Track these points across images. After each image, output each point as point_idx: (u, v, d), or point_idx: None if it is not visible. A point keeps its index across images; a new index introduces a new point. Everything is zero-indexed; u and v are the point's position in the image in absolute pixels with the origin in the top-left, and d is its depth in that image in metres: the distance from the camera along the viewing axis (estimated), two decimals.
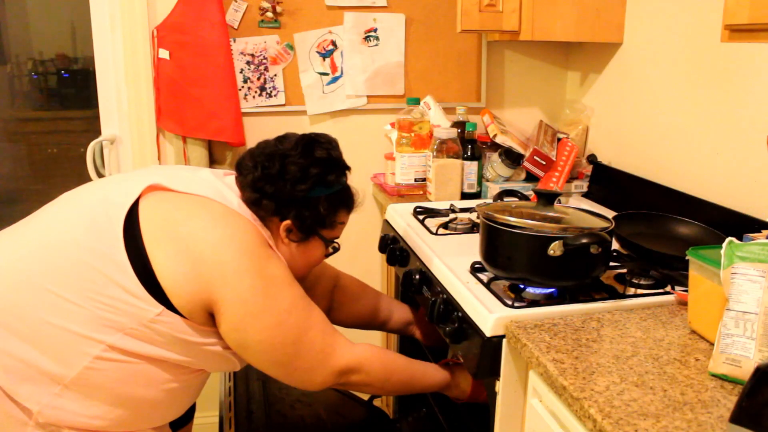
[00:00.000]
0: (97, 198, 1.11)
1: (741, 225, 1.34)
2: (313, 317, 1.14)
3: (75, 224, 1.07)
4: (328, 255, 1.28)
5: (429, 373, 1.28)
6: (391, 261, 1.63)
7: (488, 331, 1.10)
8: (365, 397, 1.76)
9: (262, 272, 1.08)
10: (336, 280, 1.51)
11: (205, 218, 1.08)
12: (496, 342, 1.10)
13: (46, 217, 1.12)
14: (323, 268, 1.48)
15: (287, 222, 1.17)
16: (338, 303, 1.49)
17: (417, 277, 1.43)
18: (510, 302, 1.15)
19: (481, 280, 1.26)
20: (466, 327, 1.17)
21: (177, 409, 1.20)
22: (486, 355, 1.11)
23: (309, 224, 1.18)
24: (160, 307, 1.03)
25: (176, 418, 1.23)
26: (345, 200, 1.24)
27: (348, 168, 1.25)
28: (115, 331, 1.03)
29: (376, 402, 1.85)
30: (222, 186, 1.15)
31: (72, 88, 2.52)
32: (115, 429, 1.11)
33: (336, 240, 1.27)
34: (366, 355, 1.18)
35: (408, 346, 1.84)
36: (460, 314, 1.20)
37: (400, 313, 1.56)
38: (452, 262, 1.35)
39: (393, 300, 1.59)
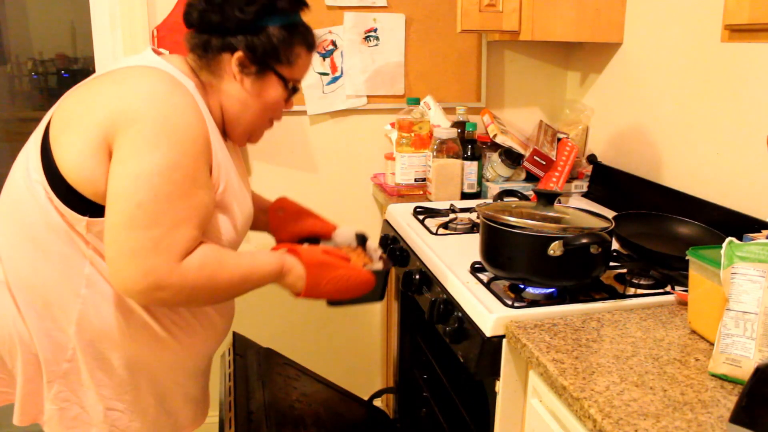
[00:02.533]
0: (29, 141, 1.11)
1: (741, 225, 1.34)
2: (184, 202, 1.00)
3: (16, 174, 1.09)
4: (288, 97, 1.20)
5: (259, 267, 1.11)
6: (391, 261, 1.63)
7: (488, 331, 1.10)
8: (365, 396, 1.76)
9: (159, 118, 0.98)
10: None
11: (106, 83, 1.05)
12: (496, 342, 1.10)
13: (10, 176, 1.13)
14: None
15: (239, 53, 1.10)
16: None
17: (417, 277, 1.43)
18: (510, 302, 1.15)
19: (481, 280, 1.26)
20: (466, 327, 1.17)
21: (190, 354, 1.19)
22: (486, 355, 1.11)
23: (261, 54, 1.11)
24: (84, 218, 1.02)
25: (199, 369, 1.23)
26: (302, 33, 1.16)
27: (306, 3, 1.17)
28: (81, 258, 1.05)
29: (376, 402, 1.85)
30: (134, 57, 1.11)
31: (72, 88, 2.51)
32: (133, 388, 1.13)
33: (296, 81, 1.19)
34: (193, 271, 1.00)
35: (411, 343, 1.85)
36: (460, 314, 1.20)
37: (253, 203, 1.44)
38: (452, 262, 1.35)
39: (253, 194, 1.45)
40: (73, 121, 1.02)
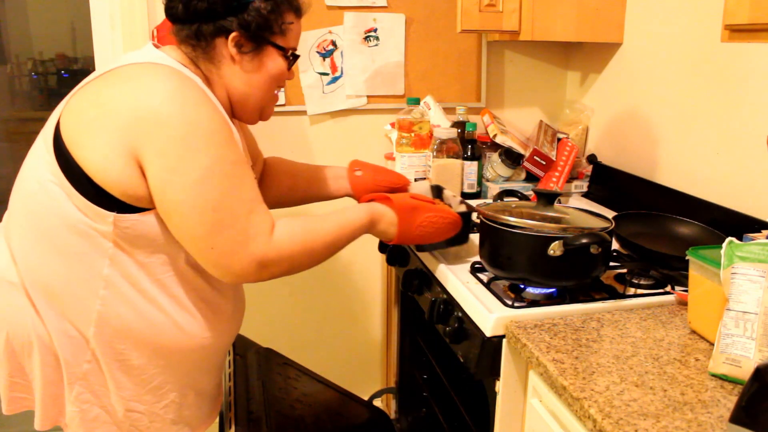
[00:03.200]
0: (37, 142, 1.11)
1: (741, 225, 1.34)
2: (244, 186, 1.05)
3: (28, 175, 1.09)
4: (290, 66, 1.21)
5: (350, 221, 1.16)
6: (391, 261, 1.63)
7: (488, 331, 1.10)
8: (365, 396, 1.76)
9: (185, 119, 1.00)
10: (264, 162, 1.49)
11: (117, 82, 1.04)
12: (496, 342, 1.10)
13: (19, 178, 1.13)
14: (257, 156, 1.45)
15: (234, 34, 1.11)
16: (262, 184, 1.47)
17: (417, 277, 1.43)
18: (510, 302, 1.15)
19: (481, 280, 1.26)
20: (466, 327, 1.17)
21: (207, 351, 1.19)
22: (486, 355, 1.11)
23: (255, 30, 1.12)
24: (111, 214, 1.02)
25: (214, 376, 1.24)
26: (286, 0, 1.16)
27: None
28: (100, 259, 1.05)
29: (376, 402, 1.85)
30: (136, 52, 1.12)
31: (72, 88, 2.51)
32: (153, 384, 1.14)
33: (294, 49, 1.20)
34: (285, 241, 1.07)
35: (412, 339, 1.84)
36: (460, 314, 1.20)
37: (328, 172, 1.50)
38: (452, 262, 1.35)
39: (315, 166, 1.52)
40: (91, 123, 1.02)
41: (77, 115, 1.04)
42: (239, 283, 1.10)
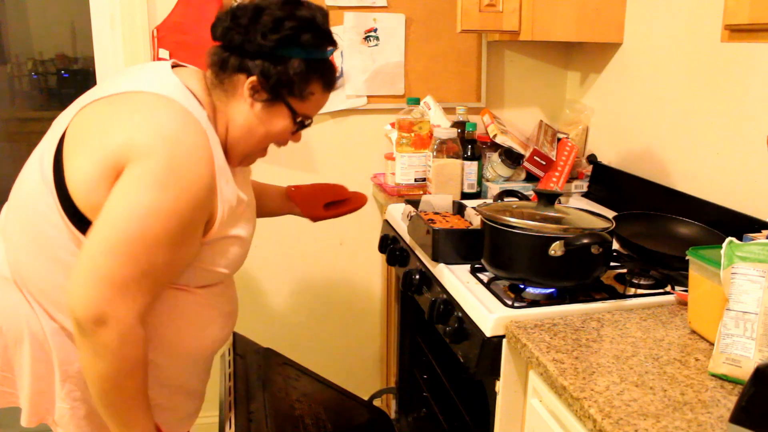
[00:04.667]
0: (43, 143, 1.10)
1: (741, 225, 1.34)
2: (170, 252, 1.00)
3: (29, 177, 1.09)
4: (295, 131, 1.18)
5: (138, 411, 1.05)
6: (391, 261, 1.63)
7: (488, 331, 1.10)
8: (365, 396, 1.76)
9: (170, 161, 0.98)
10: None
11: (124, 111, 1.04)
12: (496, 342, 1.10)
13: (21, 176, 1.13)
14: None
15: (252, 78, 1.09)
16: None
17: (417, 277, 1.43)
18: (510, 302, 1.15)
19: (481, 280, 1.26)
20: (466, 327, 1.17)
21: (198, 355, 1.19)
22: (486, 355, 1.11)
23: (275, 83, 1.10)
24: (82, 237, 1.02)
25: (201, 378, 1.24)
26: (322, 71, 1.14)
27: (333, 42, 1.15)
28: None
29: (376, 402, 1.85)
30: (153, 74, 1.10)
31: (72, 88, 2.52)
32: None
33: (306, 117, 1.17)
34: (132, 337, 0.99)
35: (414, 344, 1.84)
36: (460, 314, 1.20)
37: (271, 190, 1.50)
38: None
39: (262, 183, 1.49)
40: (87, 143, 1.02)
41: (79, 132, 1.05)
42: (68, 315, 1.00)
